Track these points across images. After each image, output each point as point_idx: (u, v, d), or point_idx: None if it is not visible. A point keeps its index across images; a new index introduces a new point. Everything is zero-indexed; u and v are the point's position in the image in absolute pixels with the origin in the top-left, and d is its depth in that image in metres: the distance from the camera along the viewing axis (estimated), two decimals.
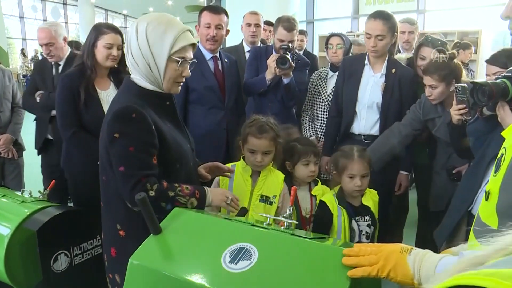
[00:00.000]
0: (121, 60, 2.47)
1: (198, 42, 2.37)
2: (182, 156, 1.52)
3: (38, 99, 2.95)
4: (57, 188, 2.36)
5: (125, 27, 19.72)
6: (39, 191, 2.25)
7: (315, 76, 3.21)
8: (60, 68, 2.99)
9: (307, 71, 3.02)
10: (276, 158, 2.01)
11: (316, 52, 7.88)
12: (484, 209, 0.93)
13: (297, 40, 3.28)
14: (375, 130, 2.61)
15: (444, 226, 1.82)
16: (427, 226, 2.89)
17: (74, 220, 2.10)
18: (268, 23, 4.04)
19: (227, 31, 2.73)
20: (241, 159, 1.98)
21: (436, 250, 0.95)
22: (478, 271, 0.43)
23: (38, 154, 3.20)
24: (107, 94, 2.40)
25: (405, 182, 2.76)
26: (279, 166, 2.05)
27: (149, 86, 1.50)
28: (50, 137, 3.04)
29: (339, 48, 3.17)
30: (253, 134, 1.91)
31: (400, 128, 2.46)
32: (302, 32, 4.44)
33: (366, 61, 2.63)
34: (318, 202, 2.05)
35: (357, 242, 1.89)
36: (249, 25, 3.46)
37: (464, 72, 2.36)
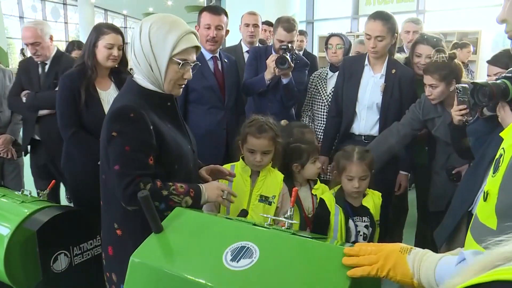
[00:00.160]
0: (122, 60, 2.47)
1: None
2: (181, 157, 1.52)
3: (24, 99, 2.90)
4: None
5: (125, 27, 19.72)
6: (38, 191, 2.25)
7: (314, 77, 3.21)
8: (47, 67, 2.95)
9: (307, 71, 3.03)
10: (276, 158, 2.01)
11: (315, 52, 7.88)
12: (483, 209, 0.93)
13: (297, 41, 3.29)
14: (375, 131, 2.62)
15: (444, 226, 1.82)
16: (426, 227, 2.89)
17: (74, 220, 2.10)
18: (267, 23, 4.05)
19: (227, 32, 2.73)
20: (241, 159, 1.98)
21: (436, 250, 0.95)
22: None
23: (25, 155, 3.17)
24: (107, 94, 2.40)
25: (405, 182, 2.76)
26: (278, 166, 2.05)
27: (151, 87, 1.50)
28: (37, 137, 3.00)
29: (339, 48, 3.18)
30: (253, 133, 1.91)
31: (399, 128, 2.47)
32: (301, 33, 4.44)
33: (366, 62, 2.63)
34: (318, 200, 2.06)
35: (353, 242, 1.90)
36: (247, 25, 3.46)
37: (464, 73, 2.36)
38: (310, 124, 3.15)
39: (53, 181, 2.31)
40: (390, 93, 2.57)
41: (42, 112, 2.90)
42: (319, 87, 3.14)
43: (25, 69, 3.02)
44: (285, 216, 1.18)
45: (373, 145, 2.50)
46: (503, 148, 0.90)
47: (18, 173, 3.35)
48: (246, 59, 3.36)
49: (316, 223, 2.01)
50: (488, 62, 2.08)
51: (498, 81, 1.49)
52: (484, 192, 0.92)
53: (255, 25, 3.47)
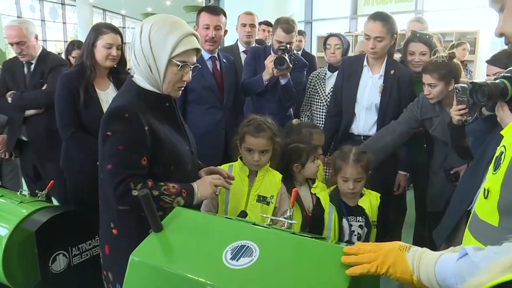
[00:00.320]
0: (121, 60, 2.47)
1: None
2: (178, 158, 1.51)
3: (9, 100, 2.87)
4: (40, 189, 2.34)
5: (123, 27, 19.68)
6: (37, 191, 2.25)
7: (313, 77, 3.21)
8: (32, 67, 2.91)
9: (305, 72, 3.03)
10: (274, 158, 2.01)
11: (314, 52, 7.89)
12: (483, 207, 0.93)
13: (295, 41, 3.29)
14: (373, 131, 2.62)
15: (443, 226, 1.82)
16: (424, 227, 2.90)
17: (73, 221, 2.10)
18: (266, 23, 4.05)
19: (226, 32, 2.73)
20: (239, 159, 1.98)
21: (435, 250, 0.95)
22: None
23: (10, 156, 3.12)
24: (106, 95, 2.40)
25: (404, 182, 2.77)
26: (276, 166, 2.05)
27: (149, 87, 1.50)
28: (24, 138, 2.97)
29: (337, 48, 3.18)
30: (251, 133, 1.92)
31: (395, 126, 2.47)
32: (300, 32, 4.44)
33: (365, 62, 2.64)
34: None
35: (347, 241, 1.91)
36: (244, 25, 3.46)
37: (463, 73, 2.36)
38: None
39: (52, 181, 2.31)
40: (388, 94, 2.57)
41: (29, 112, 2.87)
42: (317, 87, 3.15)
43: (10, 69, 2.97)
44: (285, 216, 1.19)
45: (368, 142, 2.52)
46: (503, 146, 0.90)
47: (16, 174, 3.34)
48: (242, 59, 3.37)
49: (312, 221, 2.01)
50: (487, 62, 2.08)
51: (497, 81, 1.49)
52: (484, 189, 0.92)
53: (252, 25, 3.47)
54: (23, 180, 3.18)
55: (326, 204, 1.98)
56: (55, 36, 18.05)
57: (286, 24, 2.76)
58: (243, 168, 1.95)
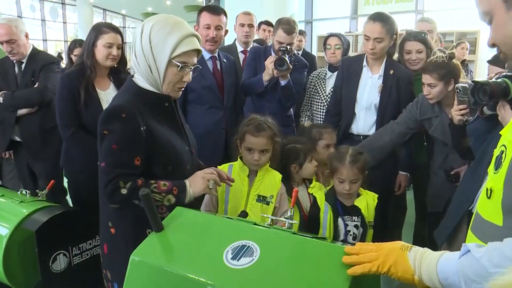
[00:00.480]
0: (121, 60, 2.47)
1: None
2: (176, 158, 1.51)
3: (1, 99, 2.84)
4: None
5: (123, 27, 19.68)
6: (38, 191, 2.25)
7: (313, 76, 3.21)
8: (23, 66, 2.89)
9: (305, 72, 3.02)
10: (274, 158, 2.02)
11: (314, 52, 7.89)
12: (486, 207, 0.93)
13: (296, 40, 3.28)
14: (373, 131, 2.62)
15: (444, 225, 1.82)
16: (424, 227, 2.89)
17: (73, 220, 2.10)
18: (267, 23, 4.04)
19: (226, 31, 2.73)
20: (239, 159, 1.98)
21: (436, 250, 0.95)
22: None
23: (10, 156, 3.09)
24: (106, 94, 2.40)
25: (404, 182, 2.77)
26: (276, 166, 2.05)
27: (149, 87, 1.49)
28: (17, 138, 2.94)
29: (337, 48, 3.18)
30: (251, 132, 1.92)
31: (394, 126, 2.47)
32: (300, 32, 4.43)
33: (365, 63, 2.64)
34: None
35: (342, 241, 1.91)
36: (242, 25, 3.46)
37: (463, 73, 2.36)
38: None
39: (52, 180, 2.31)
40: (387, 94, 2.58)
41: (21, 111, 2.85)
42: (318, 87, 3.14)
43: (0, 69, 2.93)
44: (286, 216, 1.19)
45: (367, 142, 2.52)
46: (503, 145, 0.91)
47: (17, 173, 3.34)
48: (241, 59, 3.38)
49: (309, 220, 2.01)
50: (489, 62, 2.09)
51: (498, 80, 1.49)
52: (487, 189, 0.92)
53: (250, 25, 3.47)
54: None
55: (322, 203, 1.98)
56: (56, 36, 18.07)
57: (287, 25, 2.76)
58: (243, 167, 1.95)
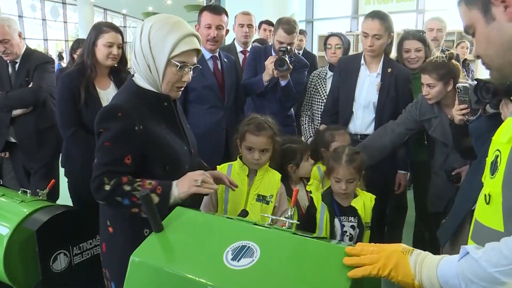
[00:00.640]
0: (121, 59, 2.47)
1: None
2: (173, 158, 1.50)
3: None
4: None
5: (124, 27, 19.69)
6: (38, 190, 2.25)
7: (314, 76, 3.21)
8: (17, 66, 2.85)
9: (306, 72, 3.02)
10: (273, 158, 2.02)
11: (315, 51, 7.87)
12: (485, 213, 0.93)
13: (297, 40, 3.28)
14: (370, 129, 2.62)
15: (447, 225, 1.81)
16: (424, 227, 2.89)
17: (74, 220, 2.10)
18: (268, 22, 4.04)
19: (227, 31, 2.72)
20: (238, 159, 1.98)
21: (435, 251, 0.95)
22: None
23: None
24: (107, 94, 2.40)
25: (404, 181, 2.76)
26: (275, 166, 2.05)
27: (148, 87, 1.49)
28: (13, 139, 2.90)
29: (338, 48, 3.18)
30: (251, 131, 1.92)
31: (394, 127, 2.47)
32: (301, 32, 4.42)
33: (362, 61, 2.65)
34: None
35: (338, 242, 1.90)
36: (241, 25, 3.46)
37: (462, 73, 2.36)
38: (310, 124, 3.15)
39: (53, 180, 2.31)
40: (386, 92, 2.58)
41: (16, 112, 2.82)
42: (318, 86, 3.14)
43: None
44: (286, 216, 1.19)
45: (366, 142, 2.51)
46: (498, 150, 0.91)
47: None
48: (240, 59, 3.37)
49: (305, 220, 2.01)
50: None
51: None
52: (485, 195, 0.92)
53: (249, 26, 3.47)
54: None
55: (319, 204, 1.98)
56: (56, 36, 18.08)
57: (288, 25, 2.76)
58: (242, 167, 1.95)
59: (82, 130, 2.32)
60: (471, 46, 5.85)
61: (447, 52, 2.30)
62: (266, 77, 2.68)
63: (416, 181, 3.01)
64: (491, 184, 0.90)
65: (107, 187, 1.37)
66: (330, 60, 3.19)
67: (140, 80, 1.49)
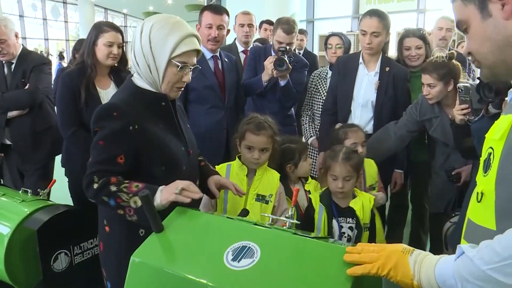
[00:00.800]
0: (122, 59, 2.46)
1: None
2: (170, 158, 1.49)
3: None
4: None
5: (125, 26, 19.69)
6: (39, 190, 2.25)
7: (314, 76, 3.21)
8: (13, 66, 2.81)
9: (306, 72, 3.02)
10: (273, 158, 2.02)
11: (316, 51, 7.87)
12: (477, 211, 0.92)
13: (297, 40, 3.28)
14: (369, 128, 2.63)
15: (457, 229, 1.80)
16: (420, 226, 2.89)
17: (74, 219, 2.10)
18: (268, 22, 4.04)
19: (228, 31, 2.72)
20: (237, 159, 1.98)
21: (435, 251, 0.95)
22: None
23: None
24: (107, 93, 2.39)
25: (400, 180, 2.76)
26: (274, 166, 2.05)
27: (147, 87, 1.49)
28: (8, 142, 2.86)
29: (338, 48, 3.18)
30: (251, 130, 1.92)
31: (395, 130, 2.47)
32: (302, 32, 4.43)
33: (361, 60, 2.65)
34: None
35: None
36: (242, 25, 3.45)
37: (462, 73, 2.36)
38: (311, 124, 3.15)
39: (54, 180, 2.31)
40: (384, 91, 2.59)
41: (12, 113, 2.78)
42: (319, 86, 3.14)
43: None
44: (286, 216, 1.19)
45: (368, 146, 2.50)
46: (491, 147, 0.90)
47: None
48: (241, 59, 3.37)
49: (303, 221, 2.00)
50: None
51: None
52: (477, 193, 0.92)
53: (250, 25, 3.46)
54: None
55: (317, 204, 1.98)
56: (57, 35, 18.09)
57: (287, 25, 2.75)
58: (241, 167, 1.95)
59: (83, 130, 2.32)
60: None
61: (447, 52, 2.30)
62: (265, 77, 2.67)
63: (415, 181, 3.01)
64: (484, 182, 0.90)
65: (95, 186, 1.37)
66: (331, 60, 3.19)
67: (139, 80, 1.49)
